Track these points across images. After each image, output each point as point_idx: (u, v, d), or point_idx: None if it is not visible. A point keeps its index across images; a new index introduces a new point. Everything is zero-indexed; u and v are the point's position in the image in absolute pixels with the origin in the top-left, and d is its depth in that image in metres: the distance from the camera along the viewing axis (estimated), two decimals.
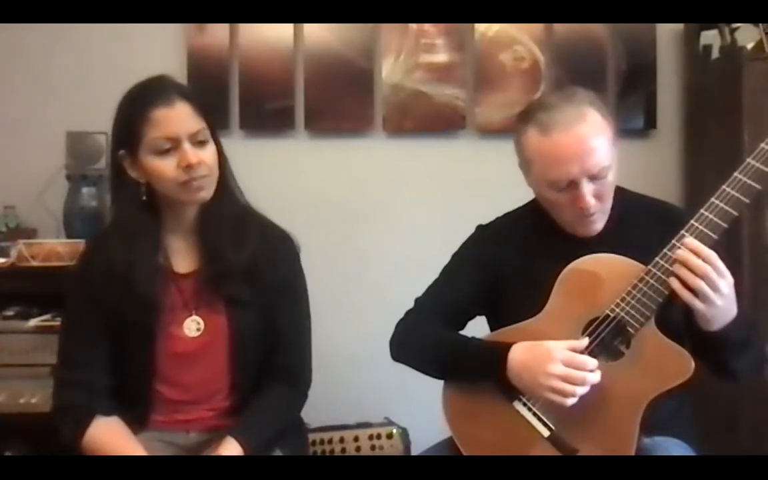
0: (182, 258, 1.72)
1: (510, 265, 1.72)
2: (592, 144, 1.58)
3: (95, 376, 1.68)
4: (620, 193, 1.70)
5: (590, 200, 1.59)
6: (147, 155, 1.62)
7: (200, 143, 1.63)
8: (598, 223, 1.65)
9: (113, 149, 1.67)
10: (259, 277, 1.70)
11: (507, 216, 1.82)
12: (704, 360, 1.52)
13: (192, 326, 1.70)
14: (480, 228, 1.83)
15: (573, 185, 1.59)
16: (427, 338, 1.72)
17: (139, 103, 1.62)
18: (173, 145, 1.60)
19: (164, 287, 1.68)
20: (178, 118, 1.61)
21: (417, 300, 1.80)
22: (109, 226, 1.77)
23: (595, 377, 1.51)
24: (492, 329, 1.75)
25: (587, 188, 1.59)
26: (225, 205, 1.70)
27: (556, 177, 1.60)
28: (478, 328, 1.76)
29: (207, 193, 1.66)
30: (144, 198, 1.66)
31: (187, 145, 1.61)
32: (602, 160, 1.59)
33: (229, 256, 1.68)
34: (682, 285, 1.47)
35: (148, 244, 1.68)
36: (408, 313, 1.79)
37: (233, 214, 1.72)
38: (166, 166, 1.61)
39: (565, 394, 1.50)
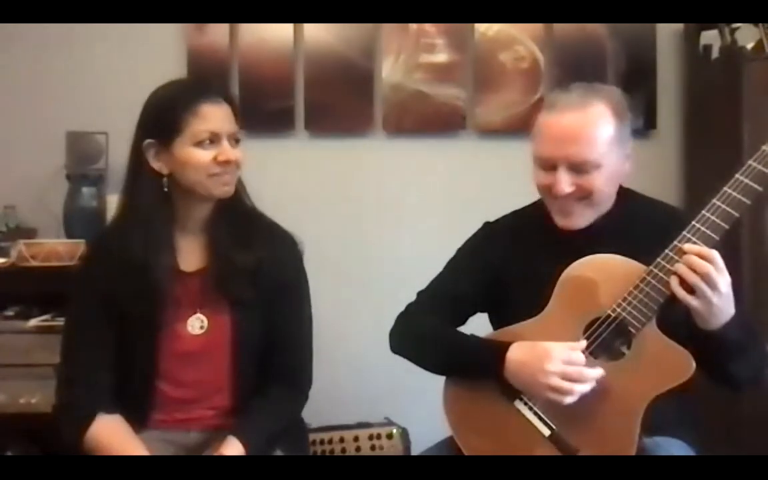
0: (189, 256, 1.73)
1: (513, 262, 1.72)
2: (582, 132, 1.59)
3: (98, 374, 1.68)
4: (625, 193, 1.70)
5: (563, 188, 1.60)
6: (185, 145, 1.65)
7: (235, 143, 1.70)
8: (578, 219, 1.64)
9: (138, 138, 1.69)
10: (263, 278, 1.71)
11: (514, 214, 1.82)
12: (704, 364, 1.51)
13: (196, 324, 1.71)
14: (486, 225, 1.83)
15: (554, 168, 1.61)
16: (427, 332, 1.72)
17: (187, 95, 1.67)
18: (213, 140, 1.66)
19: (170, 284, 1.69)
20: (223, 116, 1.68)
21: (419, 293, 1.80)
22: (117, 218, 1.76)
23: (594, 374, 1.51)
24: (494, 326, 1.76)
25: (564, 176, 1.60)
26: (237, 206, 1.74)
27: (539, 153, 1.64)
28: (481, 325, 1.76)
29: (231, 189, 1.70)
30: (165, 189, 1.68)
31: (226, 143, 1.67)
32: (588, 153, 1.58)
33: (238, 256, 1.70)
34: (679, 283, 1.47)
35: (159, 238, 1.68)
36: (409, 305, 1.79)
37: (243, 216, 1.75)
38: (201, 156, 1.65)
39: (563, 392, 1.50)
